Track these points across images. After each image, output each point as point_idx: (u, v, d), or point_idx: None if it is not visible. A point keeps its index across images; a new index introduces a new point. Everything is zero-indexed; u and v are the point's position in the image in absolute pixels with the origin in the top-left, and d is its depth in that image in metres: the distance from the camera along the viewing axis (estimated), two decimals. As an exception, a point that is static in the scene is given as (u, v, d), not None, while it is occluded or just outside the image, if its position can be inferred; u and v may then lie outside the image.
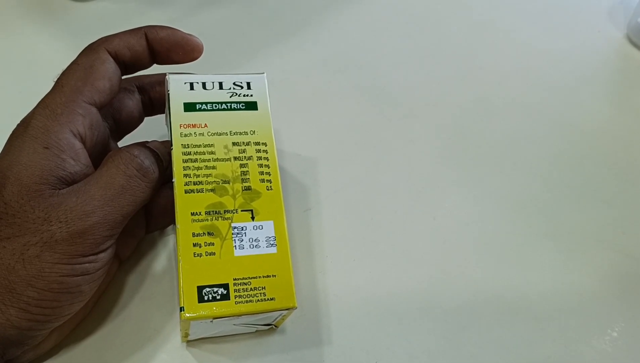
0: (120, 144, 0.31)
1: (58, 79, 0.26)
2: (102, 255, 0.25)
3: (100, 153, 0.28)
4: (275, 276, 0.25)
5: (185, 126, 0.27)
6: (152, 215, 0.30)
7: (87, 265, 0.24)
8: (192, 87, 0.28)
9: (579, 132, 0.41)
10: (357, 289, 0.32)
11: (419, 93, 0.41)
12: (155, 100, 0.31)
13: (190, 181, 0.26)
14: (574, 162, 0.39)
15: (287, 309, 0.25)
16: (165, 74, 0.28)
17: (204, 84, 0.28)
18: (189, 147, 0.27)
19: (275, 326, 0.29)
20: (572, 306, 0.33)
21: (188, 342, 0.29)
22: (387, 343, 0.30)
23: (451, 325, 0.31)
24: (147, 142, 0.29)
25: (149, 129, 0.32)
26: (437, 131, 0.39)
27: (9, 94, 0.37)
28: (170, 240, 0.32)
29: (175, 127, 0.27)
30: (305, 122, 0.38)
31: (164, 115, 0.31)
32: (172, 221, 0.27)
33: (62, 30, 0.41)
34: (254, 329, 0.29)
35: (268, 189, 0.27)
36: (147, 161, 0.27)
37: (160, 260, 0.31)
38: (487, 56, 0.44)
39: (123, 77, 0.29)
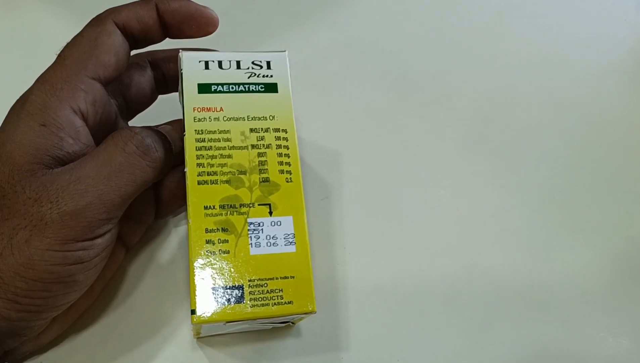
0: (132, 124, 0.29)
1: (60, 52, 0.24)
2: (98, 241, 0.23)
3: (105, 132, 0.26)
4: (293, 277, 0.23)
5: (199, 110, 0.25)
6: (161, 200, 0.28)
7: (80, 252, 0.22)
8: (207, 66, 0.26)
9: (606, 122, 0.38)
10: (376, 282, 0.30)
11: (441, 80, 0.38)
12: (169, 77, 0.29)
13: (204, 171, 0.24)
14: (602, 153, 0.37)
15: (305, 314, 0.23)
16: (180, 48, 0.26)
17: (220, 63, 0.26)
18: (202, 133, 0.24)
19: (293, 323, 0.27)
20: (597, 302, 0.32)
21: (199, 338, 0.27)
22: (409, 341, 0.29)
23: (473, 319, 0.30)
24: (157, 126, 0.27)
25: (163, 108, 0.30)
26: (460, 119, 0.37)
27: (12, 70, 0.35)
28: (182, 226, 0.30)
29: (188, 110, 0.25)
30: (322, 107, 0.36)
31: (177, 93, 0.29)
32: (182, 205, 0.26)
33: (66, 4, 0.38)
34: (270, 326, 0.27)
35: (288, 181, 0.25)
36: (149, 139, 0.24)
37: (170, 248, 0.30)
38: (511, 43, 0.41)
39: (134, 51, 0.26)
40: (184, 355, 0.27)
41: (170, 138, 0.26)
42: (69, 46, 0.24)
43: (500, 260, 0.32)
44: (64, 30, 0.34)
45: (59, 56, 0.24)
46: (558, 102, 0.39)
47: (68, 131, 0.23)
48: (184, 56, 0.26)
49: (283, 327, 0.28)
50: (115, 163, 0.23)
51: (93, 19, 0.25)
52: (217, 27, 0.27)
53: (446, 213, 0.33)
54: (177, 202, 0.28)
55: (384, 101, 0.37)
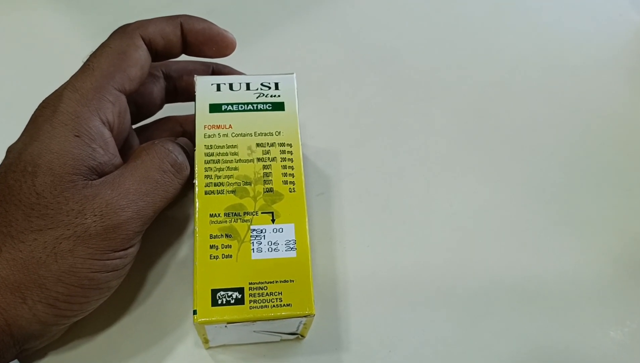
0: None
1: (87, 60, 0.25)
2: (131, 250, 0.25)
3: (122, 140, 0.27)
4: (293, 281, 0.24)
5: (209, 127, 0.27)
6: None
7: (117, 260, 0.24)
8: (218, 88, 0.28)
9: (599, 118, 0.38)
10: (370, 275, 0.31)
11: (436, 75, 0.39)
12: (180, 88, 0.30)
13: (211, 182, 0.25)
14: (594, 148, 0.37)
15: (303, 316, 0.23)
16: (192, 61, 0.28)
17: (230, 85, 0.28)
18: (211, 148, 0.26)
19: (302, 335, 0.28)
20: (590, 297, 0.31)
21: (210, 348, 0.28)
22: (402, 331, 0.29)
23: (467, 313, 0.30)
24: (174, 138, 0.28)
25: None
26: (455, 114, 0.37)
27: (13, 68, 0.35)
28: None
29: (199, 128, 0.27)
30: (318, 103, 0.37)
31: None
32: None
33: (67, 4, 0.37)
34: (279, 338, 0.27)
35: (291, 191, 0.26)
36: (181, 157, 0.26)
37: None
38: (506, 38, 0.41)
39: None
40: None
41: (189, 150, 0.27)
42: (96, 55, 0.25)
43: (494, 253, 0.32)
44: (64, 30, 0.35)
45: (87, 65, 0.25)
46: (553, 98, 0.39)
47: (99, 142, 0.24)
48: (198, 80, 0.28)
49: (292, 339, 0.28)
50: (152, 180, 0.25)
51: (120, 30, 0.26)
52: (234, 50, 0.29)
53: (441, 208, 0.33)
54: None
55: (380, 97, 0.38)
